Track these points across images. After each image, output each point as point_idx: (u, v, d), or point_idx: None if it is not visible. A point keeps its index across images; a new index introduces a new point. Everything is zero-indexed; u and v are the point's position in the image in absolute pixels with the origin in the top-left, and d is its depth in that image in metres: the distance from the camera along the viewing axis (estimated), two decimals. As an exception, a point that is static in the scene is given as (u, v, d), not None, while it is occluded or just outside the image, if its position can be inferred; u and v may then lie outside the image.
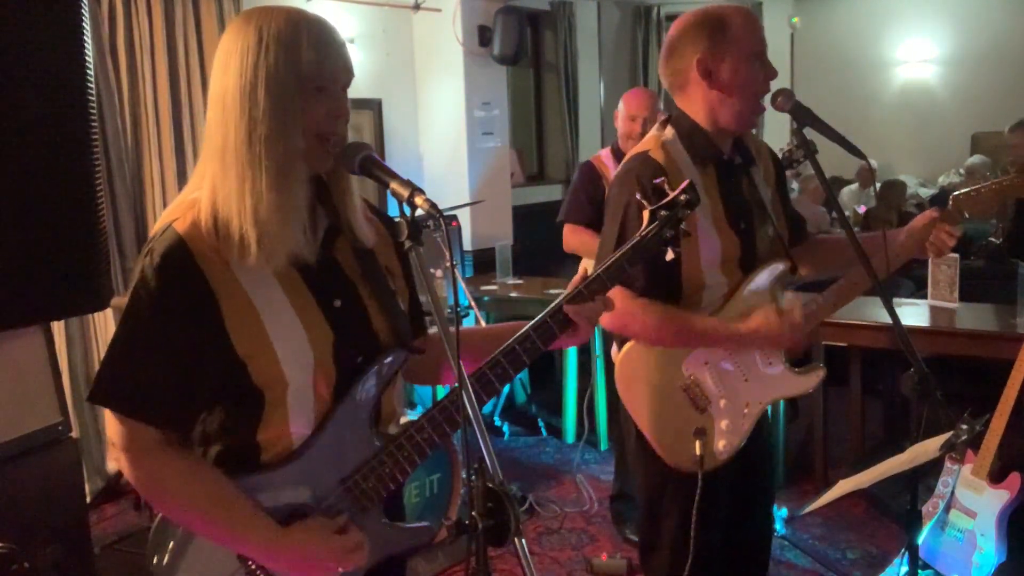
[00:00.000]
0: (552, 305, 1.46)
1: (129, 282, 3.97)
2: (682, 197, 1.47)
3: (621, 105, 3.84)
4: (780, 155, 2.14)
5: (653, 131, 2.10)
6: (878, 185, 7.47)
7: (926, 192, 8.12)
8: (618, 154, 3.78)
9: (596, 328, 3.63)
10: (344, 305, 1.42)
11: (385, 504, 1.48)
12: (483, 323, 4.38)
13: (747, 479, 2.13)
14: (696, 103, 2.02)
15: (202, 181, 1.36)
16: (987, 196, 2.01)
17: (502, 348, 1.43)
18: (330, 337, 1.39)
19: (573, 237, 3.80)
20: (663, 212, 1.47)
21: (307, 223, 1.37)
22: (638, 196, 1.54)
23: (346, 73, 1.37)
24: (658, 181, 1.53)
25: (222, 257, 1.32)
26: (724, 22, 1.95)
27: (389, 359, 1.45)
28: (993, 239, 5.73)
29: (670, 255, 1.48)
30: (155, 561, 1.43)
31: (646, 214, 1.49)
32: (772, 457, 3.43)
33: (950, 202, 2.04)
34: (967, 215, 2.02)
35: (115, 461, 1.40)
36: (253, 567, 1.39)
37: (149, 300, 1.31)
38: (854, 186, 7.99)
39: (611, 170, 3.74)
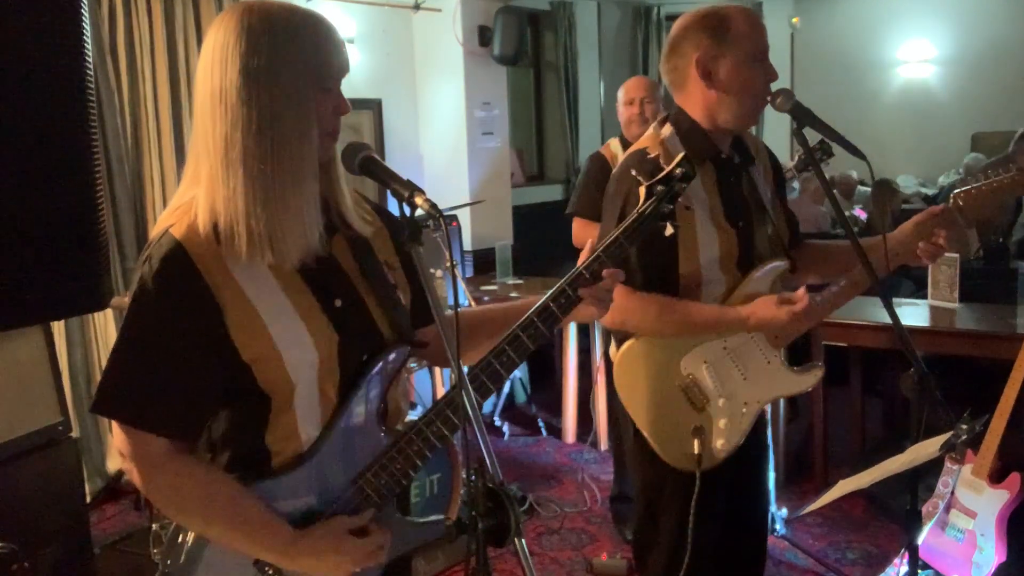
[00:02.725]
0: (554, 288, 1.45)
1: (129, 282, 4.00)
2: (677, 170, 1.47)
3: (619, 93, 3.80)
4: (795, 160, 2.15)
5: (651, 129, 2.10)
6: (860, 190, 7.45)
7: (927, 191, 8.12)
8: (625, 144, 3.71)
9: (599, 329, 3.58)
10: (345, 304, 1.41)
11: (398, 500, 1.47)
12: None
13: (745, 478, 2.13)
14: (695, 102, 2.02)
15: (196, 182, 1.34)
16: (986, 194, 1.99)
17: (505, 336, 1.42)
18: (334, 338, 1.38)
19: (584, 231, 3.65)
20: (659, 187, 1.47)
21: (320, 219, 1.35)
22: (633, 172, 1.54)
23: (347, 70, 1.37)
24: (652, 156, 1.53)
25: (221, 261, 1.31)
26: (726, 22, 1.95)
27: (393, 355, 1.44)
28: (993, 238, 5.72)
29: (669, 230, 1.48)
30: (169, 565, 1.42)
31: (642, 190, 1.49)
32: (770, 456, 3.43)
33: (949, 200, 2.02)
34: (967, 214, 2.00)
35: (125, 471, 1.38)
36: (269, 571, 1.38)
37: (150, 308, 1.29)
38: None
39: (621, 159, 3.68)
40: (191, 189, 1.35)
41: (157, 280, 1.28)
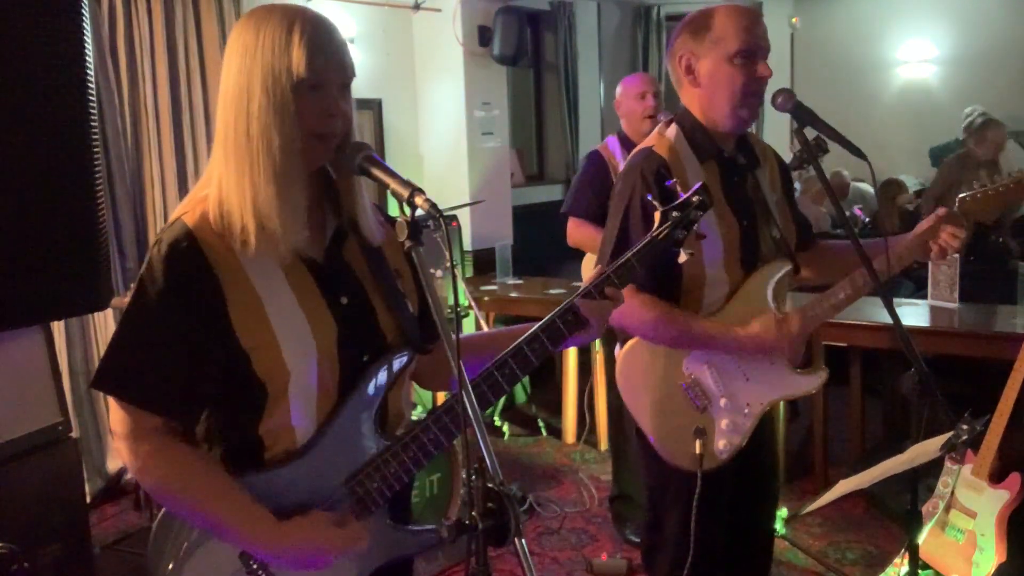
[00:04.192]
0: (562, 306, 1.46)
1: (129, 282, 4.00)
2: (694, 199, 1.48)
3: (621, 90, 3.70)
4: (791, 156, 2.15)
5: (658, 129, 2.11)
6: (860, 186, 7.42)
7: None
8: (625, 142, 3.66)
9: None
10: (351, 303, 1.43)
11: (392, 506, 1.48)
12: (483, 323, 4.38)
13: (750, 478, 2.13)
14: (691, 101, 2.05)
15: (211, 176, 1.39)
16: (992, 198, 2.00)
17: (510, 349, 1.44)
18: (334, 330, 1.40)
19: (577, 231, 3.66)
20: (675, 213, 1.48)
21: (308, 220, 1.38)
22: (650, 198, 1.55)
23: (341, 71, 1.36)
24: (670, 183, 1.54)
25: (230, 250, 1.34)
26: (708, 22, 1.97)
27: (396, 358, 1.45)
28: (993, 239, 5.71)
29: (683, 257, 1.49)
30: (157, 563, 1.42)
31: (658, 215, 1.50)
32: (775, 456, 3.42)
33: (956, 204, 2.03)
34: (972, 217, 2.01)
35: (116, 450, 1.41)
36: (255, 566, 1.38)
37: (154, 289, 1.32)
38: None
39: (619, 159, 3.63)
40: (208, 183, 1.39)
41: (163, 262, 1.32)
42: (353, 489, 1.42)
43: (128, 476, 4.20)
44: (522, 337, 1.45)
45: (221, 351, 1.34)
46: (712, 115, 2.01)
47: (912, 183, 8.21)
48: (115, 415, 1.35)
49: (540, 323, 1.46)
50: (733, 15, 1.97)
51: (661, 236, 1.48)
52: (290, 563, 1.38)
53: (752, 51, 1.96)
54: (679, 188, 1.51)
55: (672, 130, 2.05)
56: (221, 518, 1.35)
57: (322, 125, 1.35)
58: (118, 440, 1.36)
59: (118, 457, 4.12)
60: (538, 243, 5.82)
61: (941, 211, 2.04)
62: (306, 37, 1.32)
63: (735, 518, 2.11)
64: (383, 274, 1.48)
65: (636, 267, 1.48)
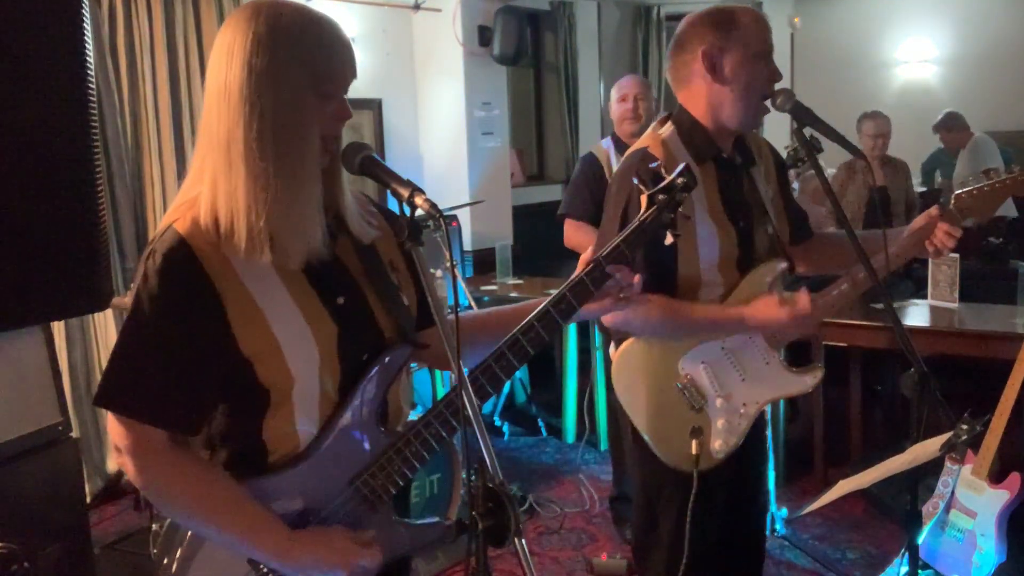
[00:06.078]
0: (556, 294, 1.45)
1: (129, 282, 4.00)
2: (679, 180, 1.48)
3: (612, 91, 3.81)
4: (785, 153, 2.14)
5: (652, 128, 2.10)
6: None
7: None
8: (618, 143, 3.73)
9: (596, 326, 3.60)
10: (348, 302, 1.42)
11: (395, 502, 1.48)
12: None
13: (744, 477, 2.13)
14: (698, 98, 2.02)
15: (201, 176, 1.35)
16: (989, 195, 1.99)
17: (507, 339, 1.43)
18: (334, 332, 1.39)
19: (575, 233, 3.68)
20: (661, 196, 1.48)
21: (323, 222, 1.36)
22: (635, 181, 1.55)
23: (353, 74, 1.37)
24: (654, 165, 1.54)
25: (223, 255, 1.32)
26: (733, 18, 1.97)
27: (393, 355, 1.44)
28: (993, 239, 5.73)
29: (669, 239, 1.49)
30: (164, 564, 1.42)
31: (644, 199, 1.50)
32: (769, 456, 3.42)
33: (952, 201, 2.03)
34: (968, 215, 2.01)
35: (119, 465, 1.38)
36: (264, 570, 1.38)
37: (151, 302, 1.30)
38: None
39: (613, 159, 3.69)
40: (197, 185, 1.36)
41: (160, 274, 1.30)
42: (358, 488, 1.41)
43: (123, 470, 4.19)
44: (517, 328, 1.43)
45: (222, 360, 1.32)
46: (724, 112, 1.99)
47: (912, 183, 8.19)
48: (117, 431, 1.33)
49: (536, 312, 1.45)
50: (755, 16, 2.00)
51: (649, 219, 1.48)
52: (301, 573, 1.37)
53: (771, 52, 1.98)
54: (663, 171, 1.51)
55: (667, 130, 2.04)
56: (234, 531, 1.34)
57: (332, 128, 1.35)
58: (123, 456, 1.34)
59: (119, 464, 4.12)
60: (538, 243, 5.81)
61: (935, 209, 2.04)
62: (327, 39, 1.31)
63: (728, 518, 2.11)
64: (377, 270, 1.47)
65: (626, 252, 1.47)
